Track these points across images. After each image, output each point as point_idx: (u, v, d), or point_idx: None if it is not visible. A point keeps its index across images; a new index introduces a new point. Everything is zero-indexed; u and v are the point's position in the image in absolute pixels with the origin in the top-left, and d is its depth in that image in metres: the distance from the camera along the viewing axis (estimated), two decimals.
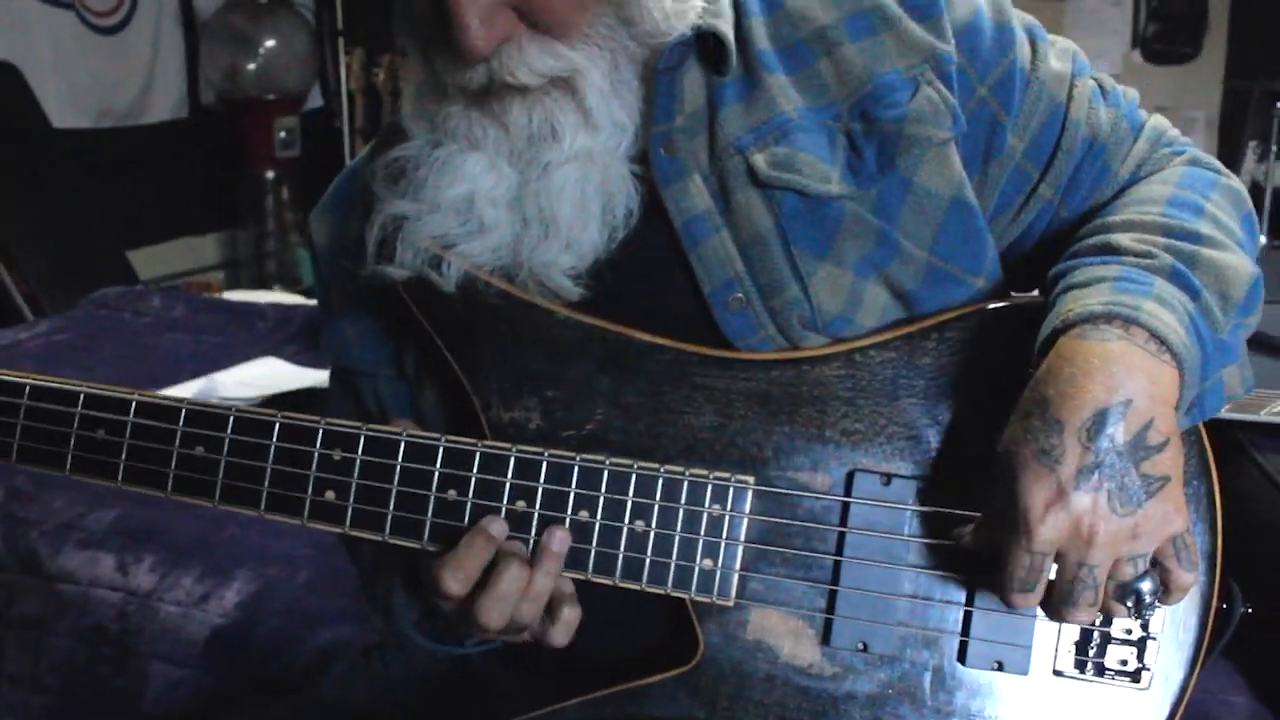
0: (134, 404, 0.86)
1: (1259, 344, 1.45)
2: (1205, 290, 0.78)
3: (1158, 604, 0.76)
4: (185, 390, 1.87)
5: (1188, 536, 0.74)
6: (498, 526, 0.81)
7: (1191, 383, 0.75)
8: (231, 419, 0.85)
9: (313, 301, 2.53)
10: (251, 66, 4.73)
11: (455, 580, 0.79)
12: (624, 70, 0.81)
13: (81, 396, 0.86)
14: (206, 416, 0.85)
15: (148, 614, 1.40)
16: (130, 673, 1.39)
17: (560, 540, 0.81)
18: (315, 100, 5.18)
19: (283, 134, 4.78)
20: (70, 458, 0.86)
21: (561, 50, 0.78)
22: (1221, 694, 1.10)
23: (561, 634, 0.82)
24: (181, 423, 0.85)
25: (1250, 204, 0.90)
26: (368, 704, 1.07)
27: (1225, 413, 1.23)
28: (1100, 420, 0.71)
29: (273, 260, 4.97)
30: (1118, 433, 0.71)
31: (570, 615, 0.81)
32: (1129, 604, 0.75)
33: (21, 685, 1.47)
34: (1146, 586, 0.74)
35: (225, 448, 0.84)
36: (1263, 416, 1.22)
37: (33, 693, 1.46)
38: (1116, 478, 0.71)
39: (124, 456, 0.85)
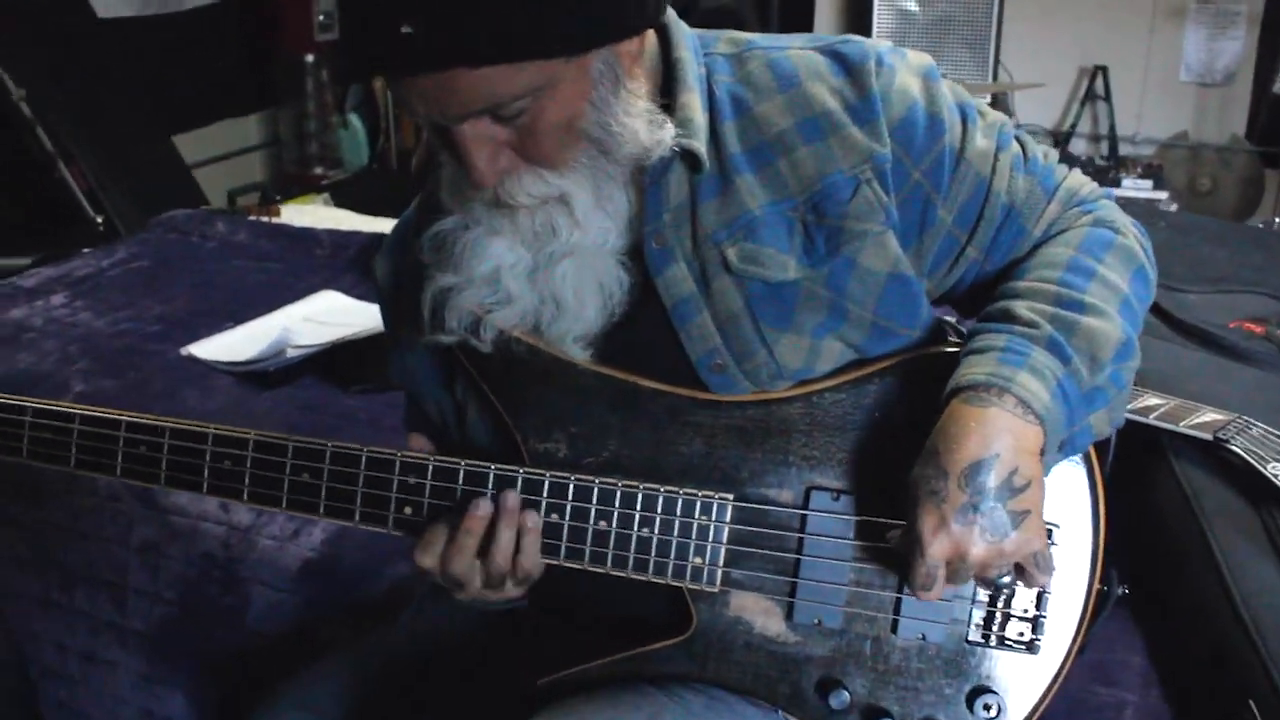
0: (251, 442, 1.10)
1: (1197, 338, 1.61)
2: (1076, 355, 0.98)
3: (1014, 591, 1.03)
4: (261, 330, 2.11)
5: (1044, 551, 0.97)
6: (456, 517, 1.03)
7: (1055, 434, 0.96)
8: (328, 453, 1.08)
9: (367, 227, 2.74)
10: None
11: (426, 555, 1.03)
12: (606, 187, 0.99)
13: (210, 436, 1.10)
14: (309, 451, 1.08)
15: (248, 545, 1.67)
16: (236, 593, 1.67)
17: (513, 498, 1.03)
18: None
19: (321, 16, 4.88)
20: (206, 484, 1.11)
21: (551, 179, 0.97)
22: (1122, 655, 1.31)
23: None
24: (290, 456, 1.09)
25: (1143, 258, 1.08)
26: (436, 637, 1.31)
27: (1151, 420, 1.39)
28: (974, 469, 0.93)
29: (314, 141, 5.14)
30: (989, 479, 0.93)
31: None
32: (991, 593, 1.02)
33: (144, 597, 1.76)
34: (1005, 581, 0.99)
35: (325, 475, 1.08)
36: (1181, 428, 1.38)
37: (154, 604, 1.75)
38: (988, 514, 0.94)
39: (247, 483, 1.10)
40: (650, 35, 1.02)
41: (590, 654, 1.10)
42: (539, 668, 1.13)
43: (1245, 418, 1.35)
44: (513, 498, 1.04)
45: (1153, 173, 4.58)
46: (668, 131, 0.98)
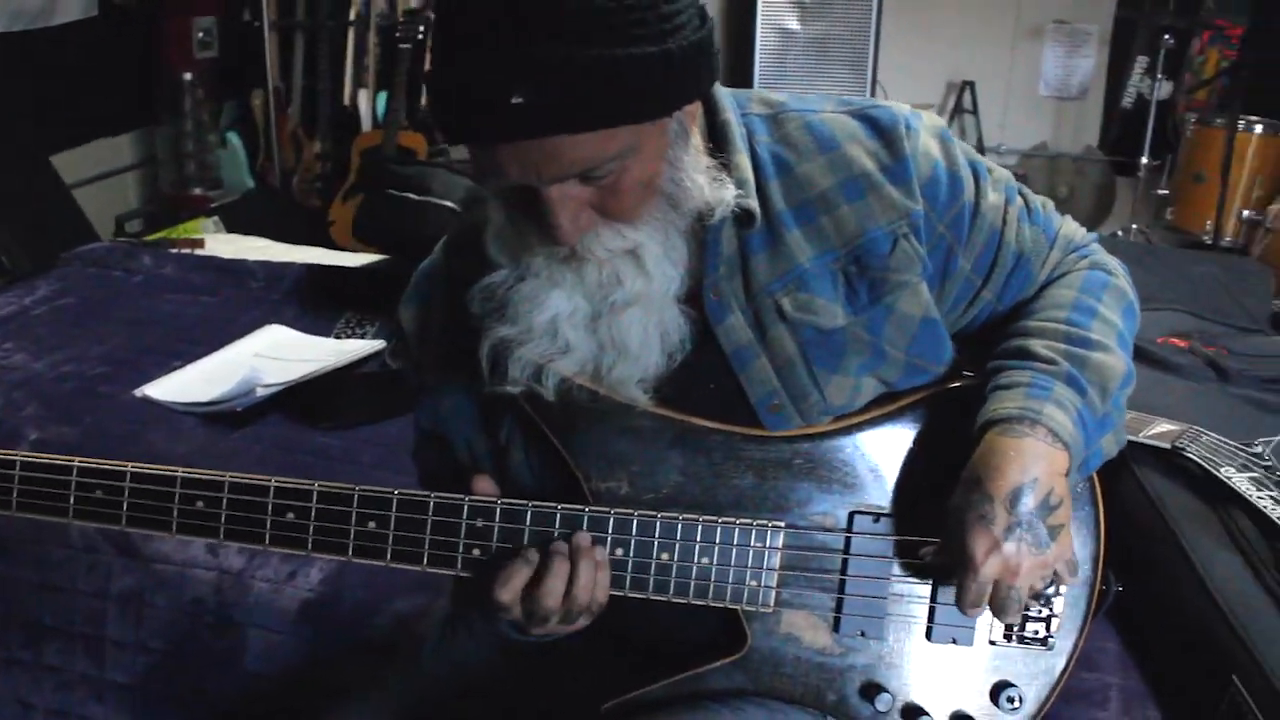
0: (315, 493, 1.12)
1: (1135, 355, 1.78)
2: (1090, 388, 1.10)
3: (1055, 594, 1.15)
4: (215, 368, 2.08)
5: (1073, 559, 1.10)
6: (533, 554, 1.09)
7: (1077, 457, 1.08)
8: (395, 500, 1.12)
9: (300, 258, 2.72)
10: None
11: (505, 591, 1.07)
12: (673, 237, 1.05)
13: (271, 489, 1.13)
14: (374, 499, 1.12)
15: (242, 589, 1.66)
16: (230, 637, 1.66)
17: (585, 537, 1.08)
18: None
19: (200, 34, 4.76)
20: (269, 536, 1.13)
21: (628, 232, 1.02)
22: (1100, 643, 1.45)
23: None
24: (355, 505, 1.12)
25: (1131, 295, 1.21)
26: (464, 672, 1.34)
27: None
28: (1017, 493, 1.04)
29: (192, 161, 5.01)
30: (1029, 501, 1.05)
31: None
32: (1040, 602, 1.14)
33: (126, 648, 1.73)
34: (1050, 591, 1.13)
35: (392, 523, 1.12)
36: (1141, 438, 1.53)
37: (138, 655, 1.72)
38: (1031, 531, 1.05)
39: (311, 533, 1.12)
40: None
41: (643, 678, 1.17)
42: (593, 695, 1.18)
43: (1196, 427, 1.51)
44: (584, 537, 1.10)
45: (1016, 181, 4.87)
46: (729, 191, 1.06)
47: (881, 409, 1.16)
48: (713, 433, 1.13)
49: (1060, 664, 1.19)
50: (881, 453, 1.16)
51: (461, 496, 1.12)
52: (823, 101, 1.16)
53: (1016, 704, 1.18)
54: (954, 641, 1.17)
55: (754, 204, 1.08)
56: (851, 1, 4.71)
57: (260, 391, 1.94)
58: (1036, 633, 1.18)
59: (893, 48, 4.86)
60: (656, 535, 1.12)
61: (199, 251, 2.74)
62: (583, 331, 1.07)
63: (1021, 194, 1.21)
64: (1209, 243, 4.15)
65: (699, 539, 1.12)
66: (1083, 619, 1.20)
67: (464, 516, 1.12)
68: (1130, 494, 1.48)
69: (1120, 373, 1.13)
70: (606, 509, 1.12)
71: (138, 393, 2.03)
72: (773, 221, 1.10)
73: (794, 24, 4.86)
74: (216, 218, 4.34)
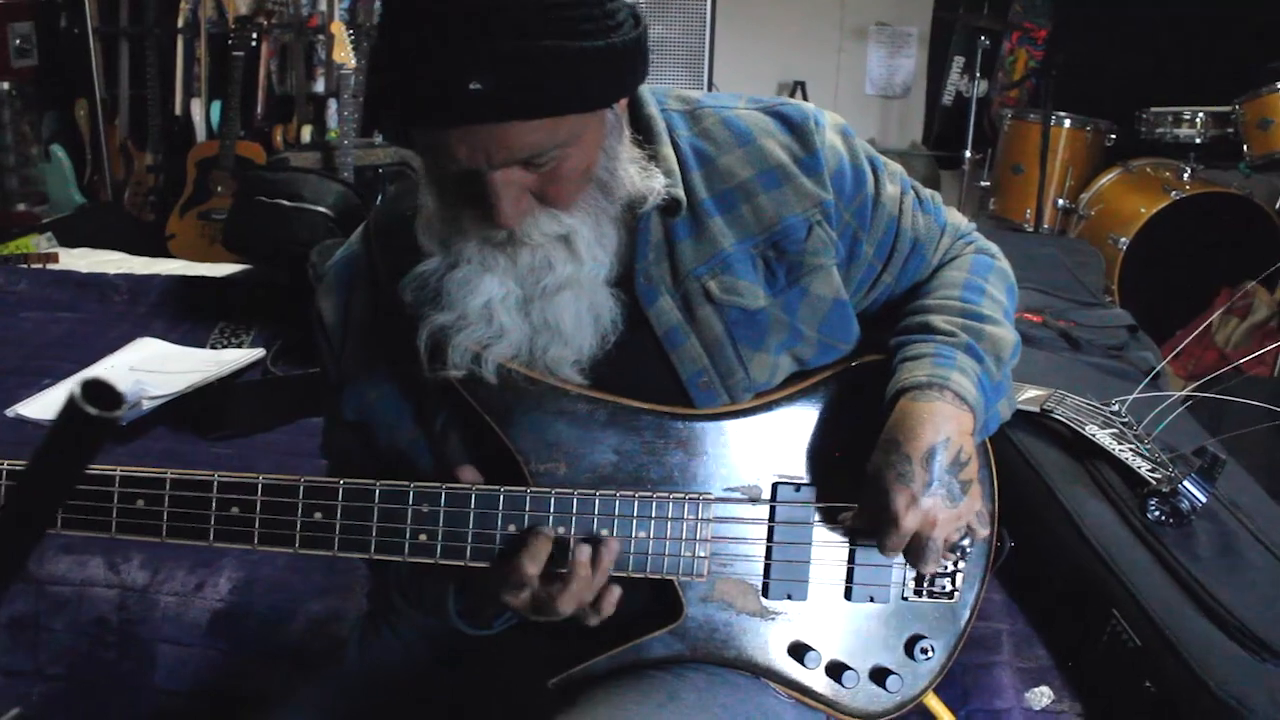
0: (259, 485, 1.13)
1: None
2: (986, 357, 1.21)
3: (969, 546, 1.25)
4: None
5: (983, 510, 1.20)
6: (549, 530, 1.13)
7: (980, 418, 1.19)
8: (340, 489, 1.13)
9: (162, 270, 2.64)
10: None
11: (533, 564, 1.11)
12: (604, 224, 1.11)
13: (215, 483, 1.12)
14: (320, 490, 1.13)
15: (147, 605, 1.62)
16: (137, 655, 1.61)
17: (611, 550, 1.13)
18: None
19: (18, 41, 4.51)
20: (213, 531, 1.13)
21: (563, 218, 1.08)
22: (987, 594, 1.57)
23: (598, 617, 1.16)
24: (301, 496, 1.13)
25: (1011, 276, 1.33)
26: (389, 670, 1.35)
27: None
28: (932, 453, 1.14)
29: (14, 176, 4.75)
30: (943, 459, 1.14)
31: (611, 600, 1.16)
32: (956, 554, 1.23)
33: (22, 677, 1.66)
34: (965, 542, 1.22)
35: (339, 512, 1.13)
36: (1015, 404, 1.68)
37: (35, 682, 1.65)
38: (945, 486, 1.15)
39: (257, 526, 1.13)
40: None
41: (583, 652, 1.21)
42: (532, 675, 1.22)
43: (1060, 391, 1.65)
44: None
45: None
46: (658, 180, 1.12)
47: (798, 385, 1.24)
48: (643, 413, 1.19)
49: (965, 615, 1.30)
50: (799, 426, 1.24)
51: (406, 484, 1.14)
52: (734, 99, 1.23)
53: (929, 654, 1.27)
54: (871, 599, 1.26)
55: (681, 193, 1.14)
56: (686, 5, 4.84)
57: (146, 404, 1.89)
58: (943, 588, 1.28)
59: (727, 50, 5.01)
60: (596, 512, 1.17)
61: (53, 266, 2.62)
62: (516, 315, 1.11)
63: (914, 187, 1.31)
64: (1030, 230, 4.45)
65: (636, 514, 1.18)
66: (982, 573, 1.31)
67: (409, 502, 1.14)
68: (1008, 456, 1.61)
69: (1010, 343, 1.24)
70: (547, 489, 1.16)
71: (9, 412, 1.95)
72: (696, 210, 1.17)
73: None
74: (50, 234, 4.13)
